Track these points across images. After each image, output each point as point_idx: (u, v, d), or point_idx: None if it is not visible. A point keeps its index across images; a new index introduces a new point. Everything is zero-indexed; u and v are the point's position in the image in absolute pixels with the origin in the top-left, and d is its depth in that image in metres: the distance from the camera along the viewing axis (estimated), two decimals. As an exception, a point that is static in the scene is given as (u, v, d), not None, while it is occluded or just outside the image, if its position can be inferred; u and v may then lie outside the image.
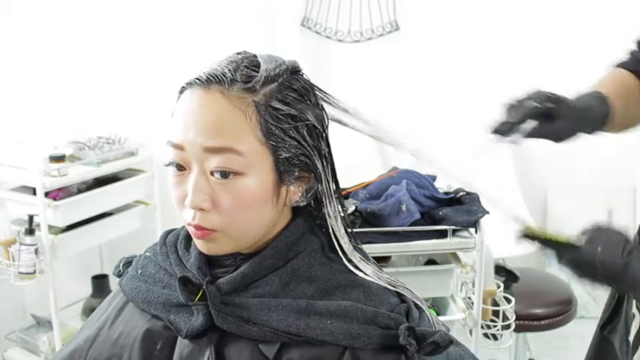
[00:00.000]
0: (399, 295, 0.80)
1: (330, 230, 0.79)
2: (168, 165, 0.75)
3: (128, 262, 0.89)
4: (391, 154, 2.80)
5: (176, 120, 0.74)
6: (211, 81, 0.72)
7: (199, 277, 0.77)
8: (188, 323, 0.75)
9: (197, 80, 0.73)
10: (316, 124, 0.76)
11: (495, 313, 1.70)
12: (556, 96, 1.07)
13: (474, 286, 1.61)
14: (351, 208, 1.54)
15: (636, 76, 1.17)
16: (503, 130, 1.09)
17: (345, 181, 1.67)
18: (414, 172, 1.68)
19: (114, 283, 2.32)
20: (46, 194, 2.02)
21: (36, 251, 2.02)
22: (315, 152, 0.76)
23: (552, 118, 1.06)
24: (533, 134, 1.08)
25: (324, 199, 0.78)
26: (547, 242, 0.99)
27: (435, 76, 2.72)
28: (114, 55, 2.46)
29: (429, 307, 0.83)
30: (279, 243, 0.77)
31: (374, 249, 1.48)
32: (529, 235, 1.02)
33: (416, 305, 0.80)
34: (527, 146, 2.95)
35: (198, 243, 0.77)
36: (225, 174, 0.71)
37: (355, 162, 2.32)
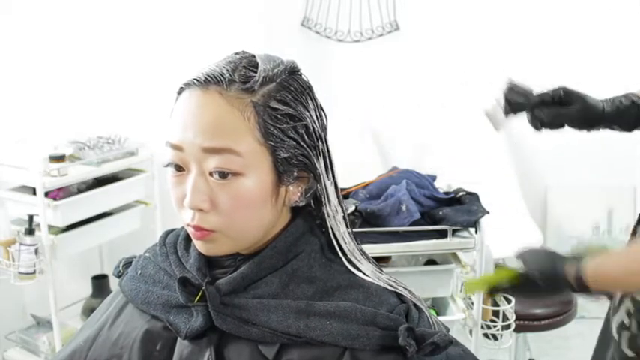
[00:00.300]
0: (399, 296, 0.80)
1: (330, 230, 0.79)
2: (167, 166, 0.75)
3: (128, 263, 0.89)
4: (391, 154, 2.80)
5: (175, 121, 0.74)
6: (209, 81, 0.72)
7: (199, 278, 0.77)
8: (188, 324, 0.75)
9: (195, 81, 0.73)
10: (315, 124, 0.76)
11: (495, 313, 1.70)
12: (568, 88, 1.22)
13: (474, 286, 1.61)
14: (351, 208, 1.54)
15: None
16: (518, 106, 1.25)
17: (345, 181, 1.67)
18: (414, 172, 1.68)
19: (114, 283, 2.32)
20: (46, 194, 2.02)
21: (36, 251, 2.02)
22: (314, 152, 0.76)
23: (566, 105, 1.21)
24: (552, 120, 1.22)
25: (323, 199, 0.78)
26: (500, 288, 1.14)
27: (435, 76, 2.72)
28: (114, 55, 2.46)
29: (428, 307, 0.83)
30: (278, 243, 0.77)
31: (374, 249, 1.48)
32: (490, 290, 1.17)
33: (415, 305, 0.80)
34: (527, 146, 2.97)
35: (198, 244, 0.77)
36: (223, 175, 0.71)
37: (355, 162, 2.33)
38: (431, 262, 1.72)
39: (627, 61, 2.50)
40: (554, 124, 1.24)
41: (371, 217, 1.55)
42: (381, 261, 1.62)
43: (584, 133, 1.26)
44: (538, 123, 1.25)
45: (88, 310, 2.35)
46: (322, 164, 0.77)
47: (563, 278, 1.04)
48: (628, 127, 1.26)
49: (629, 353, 1.22)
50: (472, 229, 1.55)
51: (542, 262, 1.09)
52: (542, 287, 1.08)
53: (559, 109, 1.23)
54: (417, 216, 1.52)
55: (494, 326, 1.70)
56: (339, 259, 0.79)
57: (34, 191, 2.02)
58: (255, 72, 0.73)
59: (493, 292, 1.16)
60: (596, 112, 1.23)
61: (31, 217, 2.02)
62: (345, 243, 0.80)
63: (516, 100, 1.26)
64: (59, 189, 2.07)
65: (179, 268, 0.80)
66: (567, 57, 2.59)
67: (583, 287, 1.03)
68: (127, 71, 2.48)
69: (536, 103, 1.24)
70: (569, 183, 2.78)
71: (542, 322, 2.14)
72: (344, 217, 0.81)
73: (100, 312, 0.87)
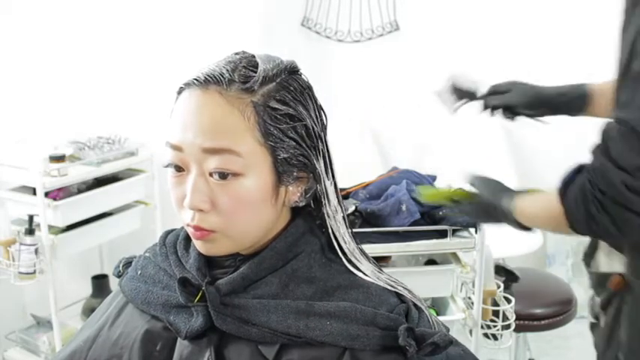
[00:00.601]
0: (399, 296, 0.80)
1: (330, 231, 0.79)
2: (167, 166, 0.75)
3: (128, 263, 0.89)
4: (391, 154, 2.80)
5: (174, 121, 0.74)
6: (209, 81, 0.72)
7: (199, 278, 0.77)
8: (188, 324, 0.75)
9: (195, 81, 0.73)
10: (315, 124, 0.76)
11: (495, 313, 1.70)
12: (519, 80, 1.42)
13: (474, 286, 1.61)
14: (351, 208, 1.54)
15: None
16: (464, 93, 1.44)
17: (345, 181, 1.67)
18: (414, 172, 1.68)
19: (114, 283, 2.32)
20: (46, 194, 2.02)
21: (36, 251, 2.02)
22: (314, 152, 0.76)
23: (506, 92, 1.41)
24: (496, 103, 1.40)
25: (323, 200, 0.78)
26: (449, 202, 1.31)
27: (435, 76, 2.71)
28: (114, 55, 2.46)
29: (428, 307, 0.83)
30: (278, 244, 0.77)
31: (374, 249, 1.48)
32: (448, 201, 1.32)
33: (415, 305, 0.79)
34: (527, 146, 2.96)
35: (198, 244, 0.77)
36: (223, 175, 0.71)
37: (355, 162, 2.32)
38: (431, 262, 1.72)
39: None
40: (500, 107, 1.40)
41: (371, 217, 1.55)
42: (381, 261, 1.62)
43: (569, 131, 1.38)
44: (490, 110, 1.41)
45: (88, 310, 2.35)
46: (322, 164, 0.77)
47: (500, 209, 1.18)
48: (571, 111, 1.39)
49: (591, 319, 1.31)
50: (472, 229, 1.55)
51: (488, 191, 1.22)
52: (488, 215, 1.23)
53: (503, 95, 1.40)
54: (417, 216, 1.52)
55: (494, 326, 1.70)
56: (339, 259, 0.79)
57: (34, 191, 2.02)
58: (255, 72, 0.73)
59: (447, 203, 1.32)
60: (535, 94, 1.39)
61: (31, 217, 2.02)
62: (345, 243, 0.80)
63: (460, 87, 1.44)
64: (59, 189, 2.07)
65: (179, 268, 0.80)
66: (568, 55, 2.58)
67: (512, 220, 1.17)
68: (127, 71, 2.47)
69: (488, 93, 1.42)
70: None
71: (542, 322, 2.13)
72: (344, 218, 0.81)
73: (100, 312, 0.87)
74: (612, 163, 1.00)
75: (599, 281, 1.26)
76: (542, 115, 1.41)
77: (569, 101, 1.38)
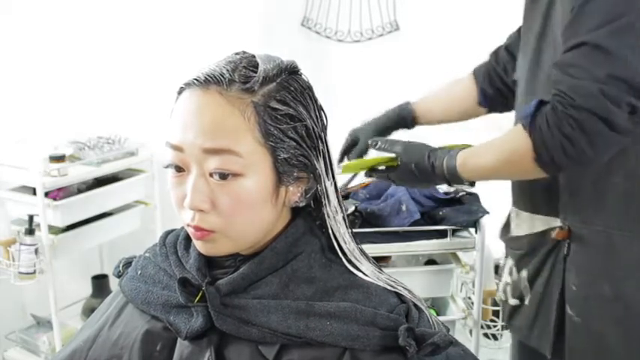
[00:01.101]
0: (399, 296, 0.80)
1: (330, 231, 0.79)
2: (167, 167, 0.75)
3: (128, 263, 0.89)
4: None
5: (175, 121, 0.74)
6: (210, 81, 0.72)
7: (199, 279, 0.77)
8: (188, 324, 0.75)
9: (195, 81, 0.73)
10: (315, 124, 0.76)
11: (495, 313, 1.70)
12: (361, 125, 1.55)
13: (474, 286, 1.61)
14: (351, 208, 1.54)
15: (474, 76, 1.60)
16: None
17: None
18: (414, 172, 1.68)
19: (114, 283, 2.32)
20: (46, 194, 2.02)
21: (36, 251, 2.02)
22: (314, 152, 0.76)
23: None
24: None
25: (323, 200, 0.78)
26: (372, 170, 1.30)
27: (435, 77, 2.71)
28: (114, 55, 2.46)
29: (428, 307, 0.83)
30: (278, 244, 0.77)
31: (374, 249, 1.48)
32: (357, 170, 1.33)
33: (415, 306, 0.79)
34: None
35: (198, 244, 0.77)
36: (224, 175, 0.71)
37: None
38: (431, 262, 1.72)
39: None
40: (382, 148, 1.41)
41: (371, 217, 1.55)
42: (381, 261, 1.62)
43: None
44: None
45: (88, 310, 2.35)
46: (322, 164, 0.77)
47: (436, 169, 1.20)
48: (405, 127, 1.57)
49: (513, 303, 1.33)
50: (472, 229, 1.55)
51: (417, 155, 1.23)
52: (417, 177, 1.23)
53: (356, 148, 1.45)
54: (417, 216, 1.52)
55: (494, 326, 1.71)
56: (339, 259, 0.79)
57: (34, 191, 2.02)
58: (256, 72, 0.73)
59: (370, 172, 1.31)
60: (380, 126, 1.53)
61: (31, 217, 2.02)
62: (345, 243, 0.80)
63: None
64: (59, 189, 2.07)
65: (179, 268, 0.80)
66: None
67: (454, 176, 1.18)
68: (127, 71, 2.47)
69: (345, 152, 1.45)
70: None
71: (542, 322, 2.13)
72: (344, 218, 0.81)
73: (100, 312, 0.87)
74: (583, 80, 1.00)
75: (531, 247, 1.26)
76: (389, 134, 1.55)
77: (402, 120, 1.56)
